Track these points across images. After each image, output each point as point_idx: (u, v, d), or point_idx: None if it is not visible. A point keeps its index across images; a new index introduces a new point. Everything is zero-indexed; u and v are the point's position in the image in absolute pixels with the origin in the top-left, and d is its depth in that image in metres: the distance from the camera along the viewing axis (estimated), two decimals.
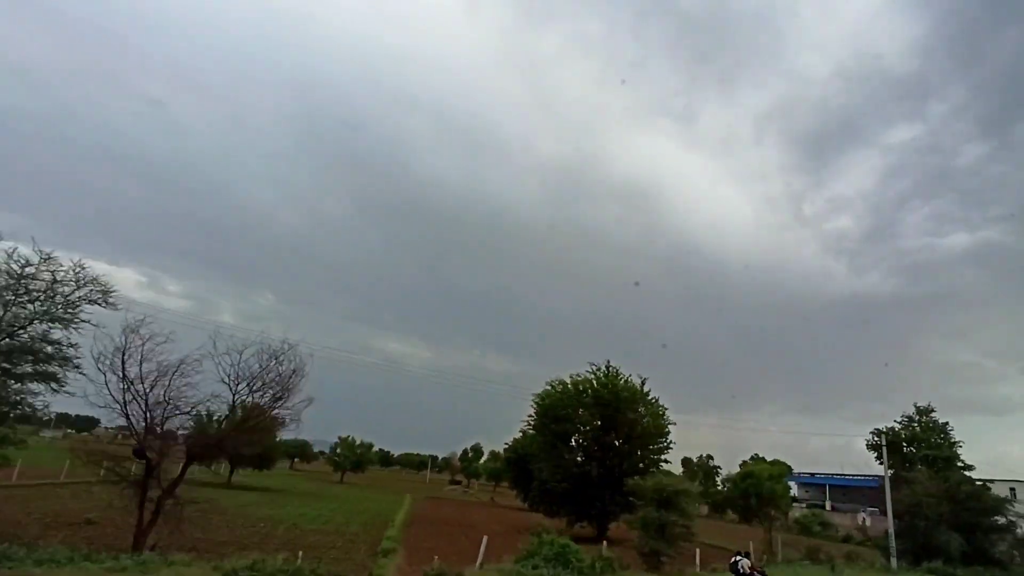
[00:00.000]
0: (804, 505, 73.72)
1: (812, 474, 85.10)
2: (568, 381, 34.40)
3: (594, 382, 33.58)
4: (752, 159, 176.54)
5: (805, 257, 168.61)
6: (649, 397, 34.13)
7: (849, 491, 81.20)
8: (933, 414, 39.38)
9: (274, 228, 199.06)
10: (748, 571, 16.97)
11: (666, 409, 34.60)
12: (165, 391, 13.94)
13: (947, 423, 38.45)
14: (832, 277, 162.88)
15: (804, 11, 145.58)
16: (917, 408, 40.28)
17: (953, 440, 38.04)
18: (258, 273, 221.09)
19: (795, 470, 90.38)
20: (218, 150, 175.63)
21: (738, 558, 17.36)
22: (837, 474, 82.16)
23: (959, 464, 36.98)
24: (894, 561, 28.05)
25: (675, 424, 34.54)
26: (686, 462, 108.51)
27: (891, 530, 29.18)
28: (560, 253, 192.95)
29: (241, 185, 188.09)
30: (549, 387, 34.58)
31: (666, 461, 34.40)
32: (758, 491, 54.53)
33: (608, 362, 34.25)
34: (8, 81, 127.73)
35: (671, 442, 34.38)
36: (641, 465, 32.39)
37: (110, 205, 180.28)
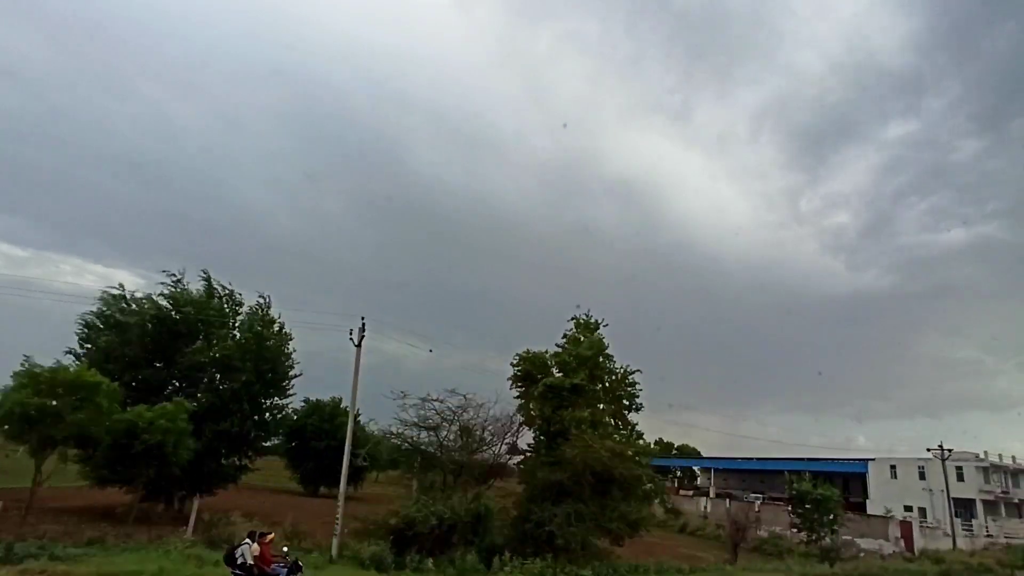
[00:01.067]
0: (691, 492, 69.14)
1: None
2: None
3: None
4: (748, 156, 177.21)
5: (803, 254, 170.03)
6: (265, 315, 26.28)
7: (769, 476, 75.01)
8: (601, 331, 24.60)
9: (271, 229, 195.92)
10: (251, 561, 11.98)
11: (290, 337, 26.75)
12: None
13: (604, 338, 24.28)
14: (830, 274, 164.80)
15: (799, 7, 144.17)
16: (577, 320, 24.88)
17: (618, 369, 24.12)
18: (255, 274, 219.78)
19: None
20: (213, 151, 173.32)
21: (244, 543, 12.33)
22: (754, 457, 76.31)
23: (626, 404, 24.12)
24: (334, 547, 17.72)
25: (297, 359, 27.04)
26: None
27: (340, 502, 18.82)
28: (558, 250, 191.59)
29: (237, 186, 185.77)
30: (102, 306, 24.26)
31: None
32: None
33: (205, 271, 26.12)
34: (2, 82, 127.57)
35: (291, 377, 26.85)
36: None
37: (106, 207, 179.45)
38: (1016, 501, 50.52)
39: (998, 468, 50.97)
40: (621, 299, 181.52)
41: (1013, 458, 52.49)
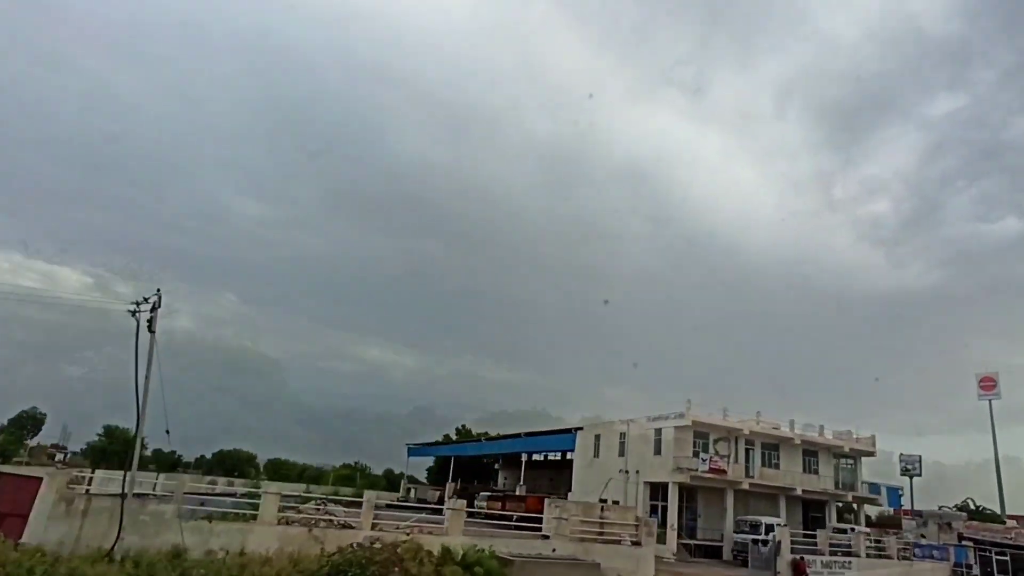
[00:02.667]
0: None
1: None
2: None
3: None
4: (774, 135, 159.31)
5: (837, 247, 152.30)
6: None
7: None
8: None
9: (234, 219, 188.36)
10: None
11: None
12: None
13: None
14: (869, 269, 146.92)
15: None
16: None
17: None
18: (218, 271, 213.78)
19: None
20: (168, 132, 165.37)
21: None
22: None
23: None
24: None
25: None
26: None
27: None
28: (559, 242, 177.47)
29: (196, 171, 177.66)
30: None
31: None
32: None
33: None
34: None
35: None
36: None
37: (47, 197, 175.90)
38: (763, 488, 31.27)
39: (726, 434, 31.87)
40: (632, 295, 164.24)
41: (758, 414, 33.02)
